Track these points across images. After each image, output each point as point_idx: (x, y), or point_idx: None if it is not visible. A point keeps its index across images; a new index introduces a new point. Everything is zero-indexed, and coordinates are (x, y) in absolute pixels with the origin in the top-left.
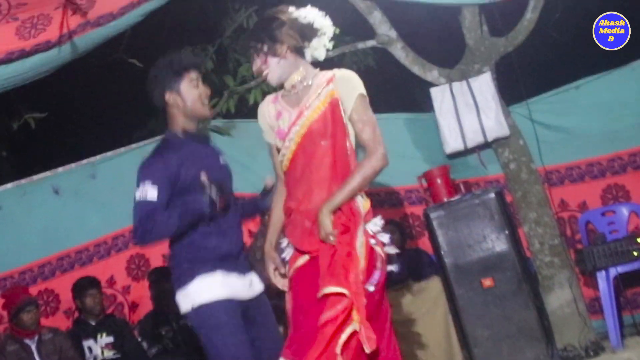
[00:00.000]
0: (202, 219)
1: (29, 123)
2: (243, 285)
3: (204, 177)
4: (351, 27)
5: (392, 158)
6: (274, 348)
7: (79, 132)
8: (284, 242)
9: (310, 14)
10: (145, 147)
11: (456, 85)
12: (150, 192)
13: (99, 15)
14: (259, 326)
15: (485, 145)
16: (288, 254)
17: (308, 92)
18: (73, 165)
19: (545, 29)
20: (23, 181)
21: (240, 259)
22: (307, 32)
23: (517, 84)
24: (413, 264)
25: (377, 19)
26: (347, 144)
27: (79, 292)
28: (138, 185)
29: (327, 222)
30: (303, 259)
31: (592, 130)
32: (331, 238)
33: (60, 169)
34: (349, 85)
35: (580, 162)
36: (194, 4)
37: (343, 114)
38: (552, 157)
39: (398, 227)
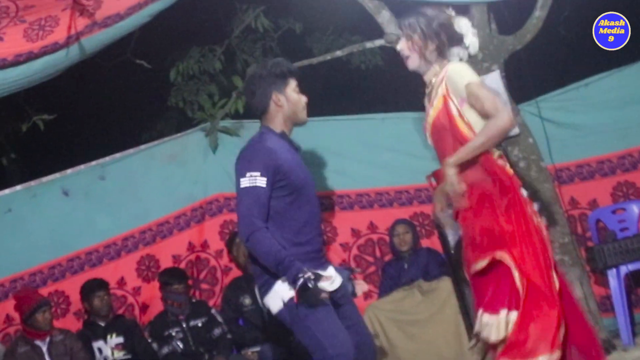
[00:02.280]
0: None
1: (37, 125)
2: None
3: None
4: (359, 26)
5: (400, 157)
6: (361, 332)
7: (87, 133)
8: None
9: (465, 27)
10: (153, 149)
11: None
12: (259, 180)
13: (106, 16)
14: (344, 312)
15: None
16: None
17: (434, 90)
18: (82, 166)
19: (554, 26)
20: (32, 183)
21: (321, 255)
22: (456, 40)
23: (526, 82)
24: (424, 264)
25: (386, 18)
26: (465, 131)
27: (86, 295)
28: (243, 175)
29: (450, 174)
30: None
31: (602, 127)
32: (456, 189)
33: (69, 171)
34: (455, 82)
35: (591, 160)
36: (202, 5)
37: (454, 109)
38: (562, 155)
39: (411, 227)
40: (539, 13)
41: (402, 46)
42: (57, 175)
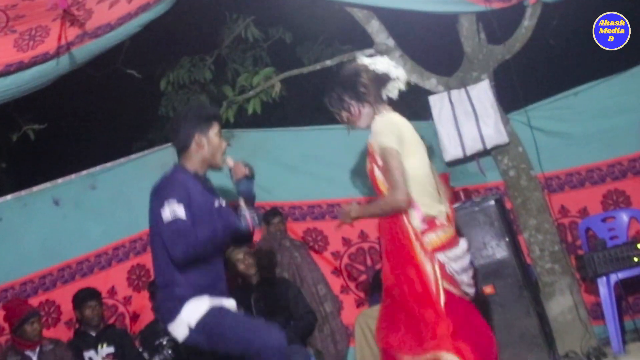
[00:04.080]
0: (237, 235)
1: (28, 135)
2: (231, 305)
3: (242, 204)
4: (349, 35)
5: None
6: None
7: (78, 143)
8: None
9: (384, 65)
10: (144, 158)
11: (454, 93)
12: (178, 210)
13: (97, 26)
14: None
15: (485, 152)
16: None
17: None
18: (73, 176)
19: (543, 36)
20: (23, 192)
21: (224, 292)
22: (384, 80)
23: (515, 91)
24: None
25: (375, 27)
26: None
27: (78, 304)
28: (162, 205)
29: (348, 213)
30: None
31: (592, 136)
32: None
33: (60, 180)
34: (376, 139)
35: (580, 168)
36: (192, 15)
37: (377, 172)
38: (551, 163)
39: None
40: (528, 22)
41: (345, 118)
42: (47, 184)
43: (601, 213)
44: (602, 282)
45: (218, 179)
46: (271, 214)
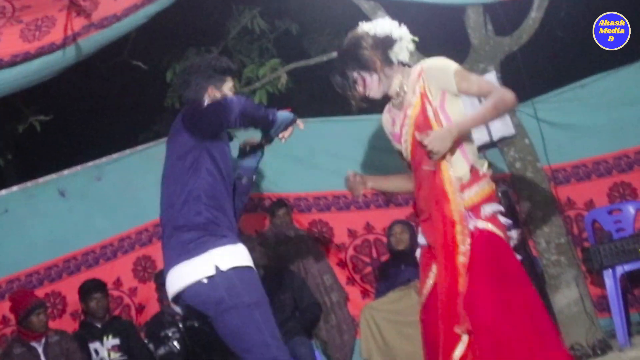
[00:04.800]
0: (264, 125)
1: (34, 126)
2: None
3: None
4: (355, 27)
5: (398, 158)
6: None
7: (84, 134)
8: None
9: (385, 27)
10: (150, 149)
11: None
12: None
13: (103, 17)
14: None
15: (491, 144)
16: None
17: (409, 92)
18: (79, 167)
19: (550, 27)
20: (29, 184)
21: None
22: (388, 42)
23: (522, 83)
24: None
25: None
26: None
27: (84, 295)
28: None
29: (448, 139)
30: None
31: (598, 128)
32: (439, 149)
33: (66, 172)
34: (440, 72)
35: (587, 161)
36: (199, 6)
37: (430, 110)
38: (558, 155)
39: (408, 227)
40: (535, 14)
41: (358, 92)
42: (53, 176)
43: (607, 205)
44: (608, 275)
45: None
46: (277, 205)
